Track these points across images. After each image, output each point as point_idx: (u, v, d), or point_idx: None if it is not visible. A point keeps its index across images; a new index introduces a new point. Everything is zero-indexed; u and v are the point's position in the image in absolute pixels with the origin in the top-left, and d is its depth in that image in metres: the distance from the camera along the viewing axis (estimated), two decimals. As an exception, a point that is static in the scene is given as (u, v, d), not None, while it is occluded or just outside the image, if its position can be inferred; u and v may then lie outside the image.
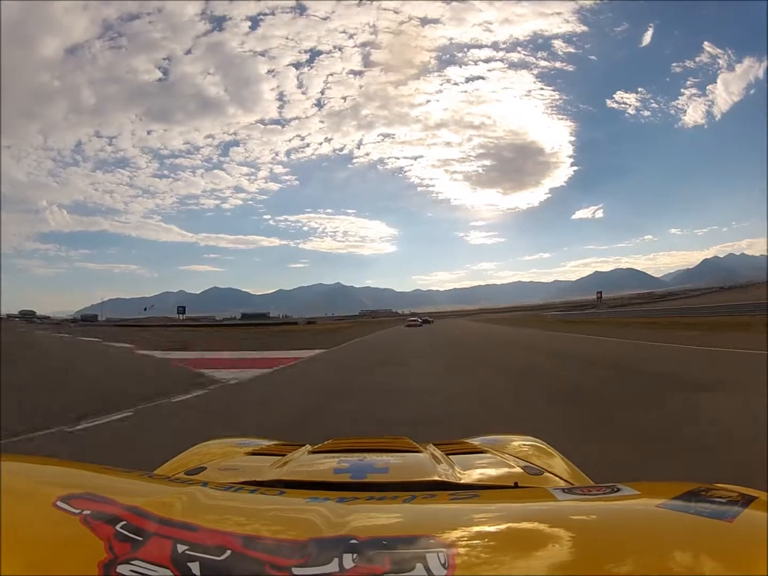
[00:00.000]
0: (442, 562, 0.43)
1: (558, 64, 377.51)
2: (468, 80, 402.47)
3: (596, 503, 0.62)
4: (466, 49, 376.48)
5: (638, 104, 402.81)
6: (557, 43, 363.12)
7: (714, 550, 0.45)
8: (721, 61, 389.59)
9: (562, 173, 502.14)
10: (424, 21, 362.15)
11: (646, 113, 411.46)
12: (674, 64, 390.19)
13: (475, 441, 1.36)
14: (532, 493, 0.78)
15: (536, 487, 0.86)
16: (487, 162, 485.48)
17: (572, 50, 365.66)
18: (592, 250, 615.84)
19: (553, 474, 1.03)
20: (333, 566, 0.43)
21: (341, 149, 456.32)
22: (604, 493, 0.62)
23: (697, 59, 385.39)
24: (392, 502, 0.63)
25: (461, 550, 0.45)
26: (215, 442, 1.38)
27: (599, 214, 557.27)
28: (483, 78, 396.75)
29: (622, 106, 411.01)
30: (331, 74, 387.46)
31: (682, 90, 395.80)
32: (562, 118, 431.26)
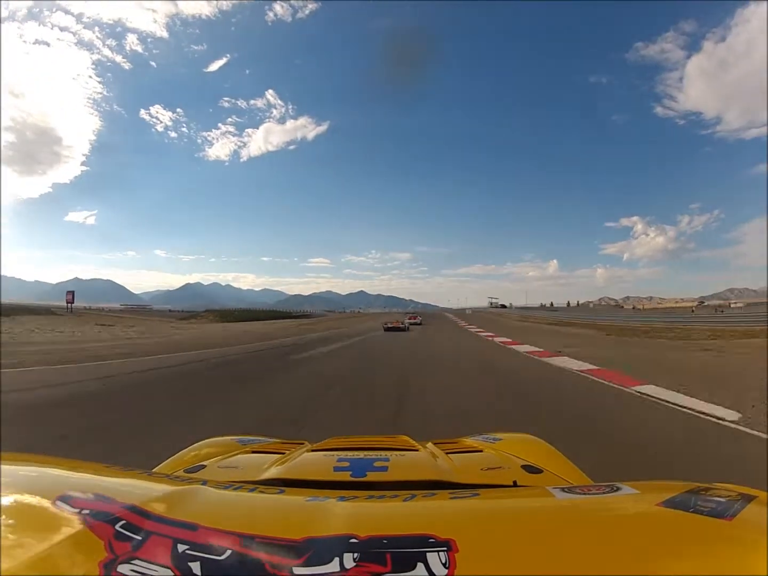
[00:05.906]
0: (443, 561, 0.43)
1: (119, 58, 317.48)
2: (35, 42, 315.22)
3: (595, 502, 0.62)
4: (54, 9, 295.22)
5: (170, 123, 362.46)
6: (131, 38, 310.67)
7: (713, 548, 0.46)
8: (275, 111, 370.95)
9: (69, 170, 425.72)
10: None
11: (173, 134, 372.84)
12: (225, 98, 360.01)
13: (475, 440, 1.36)
14: (532, 492, 0.78)
15: (535, 486, 0.86)
16: (12, 138, 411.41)
17: (140, 50, 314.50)
18: (76, 256, 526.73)
19: (552, 473, 1.03)
20: (333, 566, 0.43)
21: None
22: (603, 492, 0.62)
23: (252, 102, 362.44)
24: (392, 501, 0.63)
25: (462, 549, 0.45)
26: (215, 440, 1.38)
27: (91, 220, 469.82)
28: (48, 44, 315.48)
29: (154, 120, 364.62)
30: None
31: (219, 124, 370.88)
32: (92, 114, 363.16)
